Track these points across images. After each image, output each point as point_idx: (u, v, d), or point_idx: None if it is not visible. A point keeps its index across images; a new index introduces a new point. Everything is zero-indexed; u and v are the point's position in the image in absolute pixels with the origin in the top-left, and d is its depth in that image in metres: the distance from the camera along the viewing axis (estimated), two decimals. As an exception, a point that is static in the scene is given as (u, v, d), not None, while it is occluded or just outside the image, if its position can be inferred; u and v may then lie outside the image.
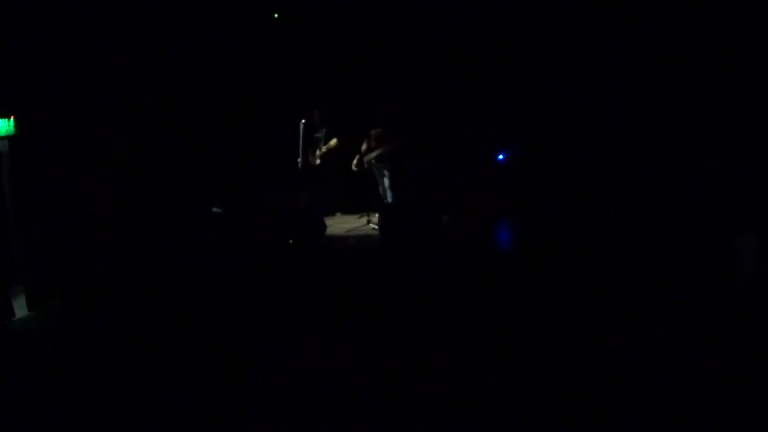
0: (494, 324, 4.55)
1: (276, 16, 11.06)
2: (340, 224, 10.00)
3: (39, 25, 6.50)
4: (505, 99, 10.87)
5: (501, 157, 11.36)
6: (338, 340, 4.30)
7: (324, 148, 9.94)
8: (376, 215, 9.73)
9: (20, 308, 5.67)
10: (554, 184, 9.76)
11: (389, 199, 9.65)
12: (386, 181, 9.58)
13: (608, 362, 3.82)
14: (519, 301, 5.17)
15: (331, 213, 10.77)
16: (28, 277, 6.01)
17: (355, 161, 9.68)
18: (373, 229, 9.19)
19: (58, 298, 6.04)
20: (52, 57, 6.64)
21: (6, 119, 6.21)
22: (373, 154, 9.52)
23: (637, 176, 8.07)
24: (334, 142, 9.95)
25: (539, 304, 5.05)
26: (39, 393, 3.73)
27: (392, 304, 5.13)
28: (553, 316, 4.73)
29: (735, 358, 3.81)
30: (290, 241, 7.99)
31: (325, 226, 8.52)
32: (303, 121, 9.57)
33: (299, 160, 9.61)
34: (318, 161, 10.15)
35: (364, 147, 9.65)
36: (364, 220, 9.96)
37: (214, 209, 8.83)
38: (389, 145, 9.39)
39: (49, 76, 6.58)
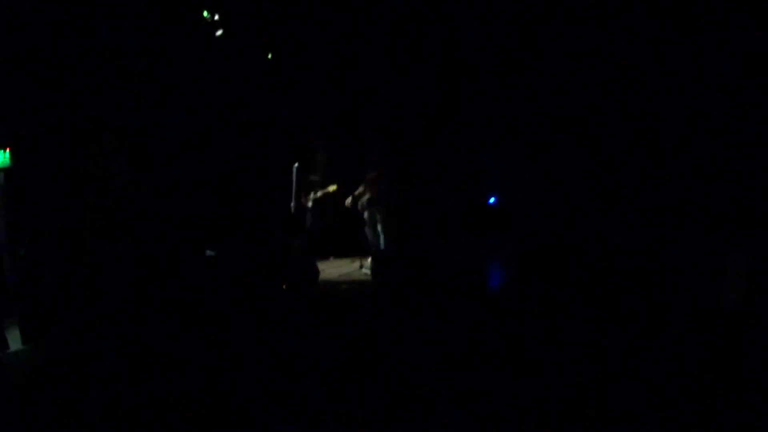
0: (492, 373, 4.49)
1: (269, 56, 11.11)
2: (333, 269, 9.97)
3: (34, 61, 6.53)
4: (501, 145, 10.95)
5: (492, 200, 11.40)
6: (333, 396, 4.22)
7: (320, 192, 9.88)
8: (369, 260, 9.71)
9: (14, 341, 5.67)
10: (546, 223, 9.78)
11: (381, 243, 9.65)
12: (379, 226, 9.59)
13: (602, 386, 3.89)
14: (515, 345, 5.13)
15: (325, 257, 10.72)
16: (22, 310, 6.00)
17: (348, 199, 9.72)
18: (366, 274, 9.15)
19: (52, 331, 6.00)
20: (47, 92, 6.66)
21: (2, 151, 6.22)
22: (366, 197, 9.55)
23: (630, 206, 8.10)
24: (333, 188, 9.89)
25: (535, 345, 5.04)
26: (30, 427, 3.69)
27: (387, 355, 5.07)
28: (549, 357, 4.71)
29: (724, 376, 3.93)
30: (283, 287, 7.93)
31: (318, 272, 8.47)
32: (296, 164, 9.57)
33: (292, 204, 9.58)
34: (311, 204, 10.10)
35: (359, 189, 9.68)
36: (357, 264, 9.92)
37: (208, 252, 8.78)
38: (383, 190, 9.43)
39: (46, 113, 6.60)
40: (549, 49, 9.50)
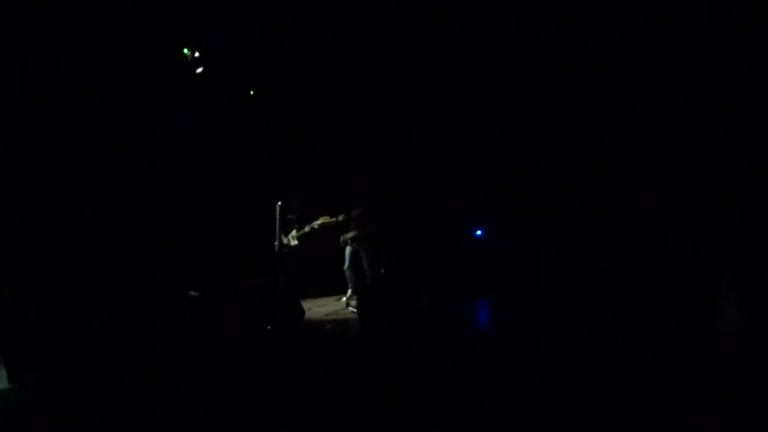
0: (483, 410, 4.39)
1: (252, 93, 11.09)
2: (318, 307, 9.83)
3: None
4: (483, 177, 10.94)
5: (479, 233, 11.36)
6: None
7: (308, 228, 9.74)
8: (354, 298, 9.62)
9: (0, 381, 5.58)
10: (533, 258, 9.74)
11: (366, 281, 9.56)
12: (364, 264, 9.50)
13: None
14: (505, 380, 5.05)
15: (311, 295, 10.60)
16: (7, 349, 5.89)
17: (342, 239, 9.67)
18: (353, 312, 9.02)
19: (38, 371, 5.86)
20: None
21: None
22: (350, 235, 9.47)
23: (619, 237, 8.07)
24: (324, 219, 9.76)
25: (526, 379, 4.98)
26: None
27: (375, 397, 4.94)
28: (541, 388, 4.68)
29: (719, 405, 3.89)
30: (269, 328, 7.78)
31: (303, 312, 8.34)
32: (279, 203, 9.48)
33: (276, 243, 9.46)
34: (295, 242, 9.97)
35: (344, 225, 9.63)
36: (343, 302, 9.80)
37: (192, 293, 8.65)
38: (367, 227, 9.35)
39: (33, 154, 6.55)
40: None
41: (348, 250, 9.72)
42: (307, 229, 9.68)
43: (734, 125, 6.76)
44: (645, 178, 7.94)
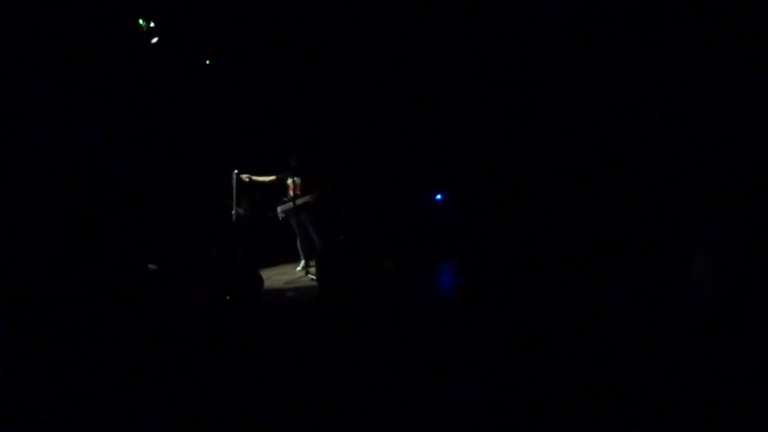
0: (440, 374, 4.48)
1: (207, 62, 10.98)
2: (278, 276, 9.86)
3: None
4: (442, 134, 10.97)
5: (439, 197, 11.43)
6: (284, 412, 4.14)
7: (245, 177, 9.79)
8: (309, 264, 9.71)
9: None
10: (496, 220, 9.83)
11: (318, 245, 9.64)
12: (311, 230, 9.58)
13: (564, 387, 3.88)
14: (465, 346, 5.13)
15: (271, 264, 10.65)
16: None
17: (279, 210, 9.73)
18: (312, 280, 9.07)
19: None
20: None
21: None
22: (289, 205, 9.52)
23: (590, 199, 8.15)
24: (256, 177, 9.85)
25: (485, 346, 5.04)
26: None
27: (337, 358, 5.01)
28: (502, 355, 4.74)
29: (689, 373, 3.99)
30: (227, 297, 7.81)
31: (262, 280, 8.36)
32: (235, 171, 9.46)
33: (233, 212, 9.45)
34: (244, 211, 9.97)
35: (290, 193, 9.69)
36: (302, 271, 9.85)
37: (150, 266, 8.62)
38: (312, 194, 9.41)
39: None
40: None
41: (293, 220, 9.82)
42: (245, 177, 9.75)
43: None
44: (617, 135, 8.00)
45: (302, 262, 10.01)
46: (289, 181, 9.86)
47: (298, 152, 9.94)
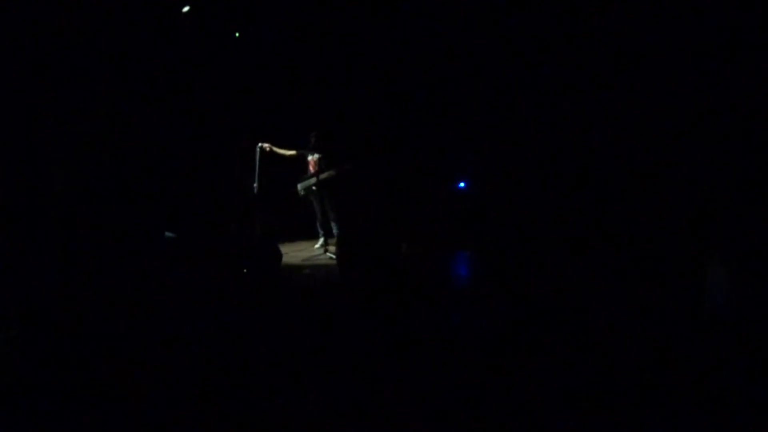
0: (458, 361, 4.38)
1: (237, 35, 10.88)
2: (296, 252, 9.78)
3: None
4: (469, 122, 10.84)
5: (462, 184, 11.31)
6: (296, 388, 4.05)
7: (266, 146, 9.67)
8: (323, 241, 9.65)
9: None
10: (520, 212, 9.71)
11: (334, 228, 9.58)
12: (327, 208, 9.53)
13: (575, 395, 3.73)
14: (483, 336, 5.04)
15: (290, 239, 10.59)
16: None
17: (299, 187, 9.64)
18: (331, 258, 8.99)
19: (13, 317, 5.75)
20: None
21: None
22: (312, 181, 9.44)
23: (606, 204, 8.03)
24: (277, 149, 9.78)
25: (504, 338, 4.95)
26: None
27: (352, 344, 4.92)
28: (519, 350, 4.63)
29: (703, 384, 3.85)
30: (245, 271, 7.74)
31: (280, 256, 8.28)
32: (260, 145, 9.38)
33: (255, 185, 9.36)
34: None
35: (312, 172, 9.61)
36: (321, 248, 9.77)
37: (168, 234, 8.58)
38: (331, 172, 9.32)
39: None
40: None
41: (313, 199, 9.79)
42: (266, 146, 9.66)
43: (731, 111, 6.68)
44: (638, 138, 7.87)
45: (321, 240, 9.92)
46: (310, 157, 9.78)
47: (319, 129, 9.86)
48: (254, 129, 10.37)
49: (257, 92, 11.43)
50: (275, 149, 9.60)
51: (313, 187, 9.59)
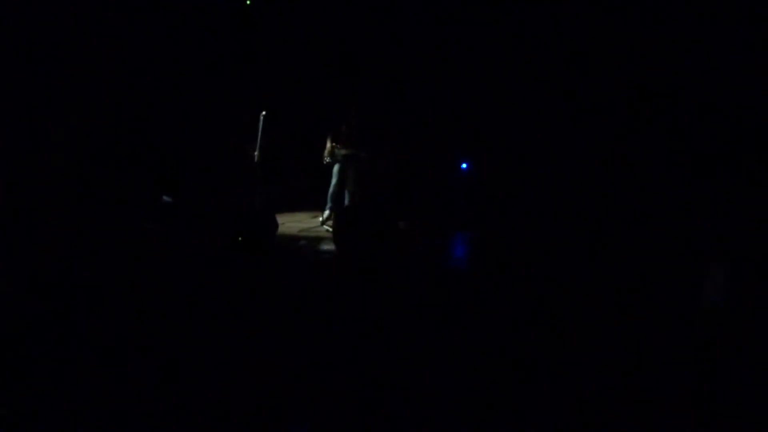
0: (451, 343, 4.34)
1: (248, 2, 10.77)
2: (293, 223, 9.74)
3: None
4: (473, 109, 10.78)
5: (464, 165, 11.25)
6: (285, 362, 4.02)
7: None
8: (327, 215, 9.58)
9: None
10: (520, 196, 9.67)
11: (346, 199, 9.51)
12: (348, 184, 9.44)
13: (571, 385, 3.72)
14: (477, 318, 5.02)
15: (287, 210, 10.54)
16: None
17: (326, 154, 9.50)
18: (327, 231, 8.95)
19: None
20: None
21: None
22: (346, 152, 9.35)
23: (607, 197, 8.00)
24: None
25: (498, 322, 4.93)
26: None
27: (341, 318, 4.89)
28: (514, 336, 4.61)
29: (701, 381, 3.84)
30: (239, 239, 7.70)
31: (276, 225, 8.24)
32: (263, 113, 9.30)
33: (256, 153, 9.29)
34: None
35: (329, 143, 9.47)
36: (318, 220, 9.72)
37: (164, 198, 8.54)
38: (368, 148, 9.26)
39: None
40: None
41: (336, 167, 9.61)
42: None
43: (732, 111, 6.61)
44: (639, 134, 7.82)
45: (326, 212, 9.75)
46: (343, 129, 9.65)
47: (359, 103, 9.78)
48: (260, 96, 10.28)
49: (270, 60, 11.32)
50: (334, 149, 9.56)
51: (340, 158, 9.51)
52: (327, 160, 9.61)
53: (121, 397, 3.35)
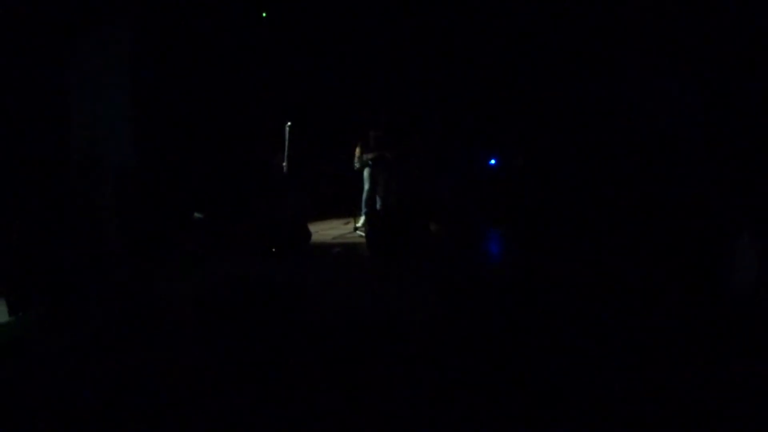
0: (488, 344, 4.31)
1: (264, 15, 10.83)
2: (325, 230, 9.76)
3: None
4: (501, 106, 10.74)
5: (493, 162, 11.18)
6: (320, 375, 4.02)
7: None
8: (362, 221, 9.57)
9: (1, 314, 5.40)
10: (546, 190, 9.59)
11: (378, 203, 9.52)
12: (380, 183, 9.47)
13: (605, 371, 3.72)
14: (513, 315, 4.97)
15: (320, 218, 10.58)
16: (9, 282, 5.68)
17: (356, 160, 9.55)
18: (360, 236, 8.96)
19: (37, 303, 5.77)
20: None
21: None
22: (373, 155, 9.39)
23: (634, 182, 7.90)
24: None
25: (534, 316, 4.89)
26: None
27: (378, 329, 4.87)
28: (550, 328, 4.57)
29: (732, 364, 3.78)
30: (273, 250, 7.75)
31: (309, 234, 8.28)
32: (289, 124, 9.32)
33: (285, 164, 9.33)
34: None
35: (358, 149, 9.52)
36: (351, 226, 9.72)
37: (196, 215, 8.60)
38: (393, 149, 9.30)
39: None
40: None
41: (366, 172, 9.65)
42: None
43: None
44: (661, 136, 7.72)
45: (362, 218, 9.80)
46: (372, 133, 9.68)
47: (388, 110, 9.79)
48: (285, 107, 10.33)
49: (290, 70, 11.38)
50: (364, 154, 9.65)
51: (369, 162, 9.56)
52: (357, 165, 9.66)
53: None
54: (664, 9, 7.54)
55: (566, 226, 8.50)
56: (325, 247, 8.49)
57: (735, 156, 6.45)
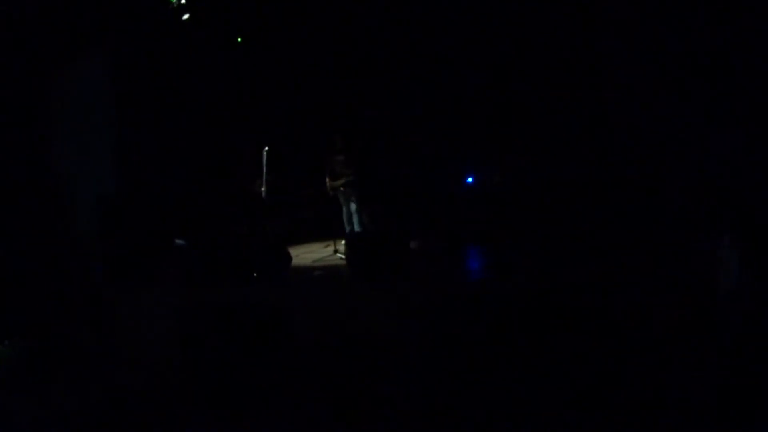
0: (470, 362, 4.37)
1: (240, 40, 10.93)
2: (306, 254, 9.80)
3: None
4: (476, 119, 10.82)
5: (470, 180, 11.26)
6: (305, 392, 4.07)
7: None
8: (343, 244, 9.58)
9: None
10: (524, 206, 9.67)
11: (356, 225, 9.53)
12: (353, 207, 9.48)
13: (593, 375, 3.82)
14: (494, 330, 5.00)
15: (300, 242, 10.60)
16: None
17: (327, 186, 9.59)
18: (341, 259, 8.99)
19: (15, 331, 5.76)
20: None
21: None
22: (341, 182, 9.42)
23: (619, 186, 7.99)
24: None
25: (515, 332, 4.90)
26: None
27: (361, 346, 4.92)
28: (532, 343, 4.62)
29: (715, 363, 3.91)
30: (254, 274, 7.78)
31: (290, 258, 8.31)
32: (266, 148, 9.37)
33: (263, 189, 9.38)
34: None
35: (327, 177, 9.57)
36: (331, 249, 9.75)
37: (177, 241, 8.62)
38: (355, 173, 9.32)
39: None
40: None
41: (341, 197, 9.69)
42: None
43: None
44: (646, 141, 7.82)
45: (343, 241, 9.75)
46: (335, 158, 9.71)
47: (343, 131, 9.83)
48: (261, 133, 10.39)
49: (264, 96, 11.45)
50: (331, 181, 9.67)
51: (341, 188, 9.61)
52: (331, 193, 9.71)
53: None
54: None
55: (546, 241, 8.56)
56: (306, 271, 8.52)
57: (714, 159, 6.57)
